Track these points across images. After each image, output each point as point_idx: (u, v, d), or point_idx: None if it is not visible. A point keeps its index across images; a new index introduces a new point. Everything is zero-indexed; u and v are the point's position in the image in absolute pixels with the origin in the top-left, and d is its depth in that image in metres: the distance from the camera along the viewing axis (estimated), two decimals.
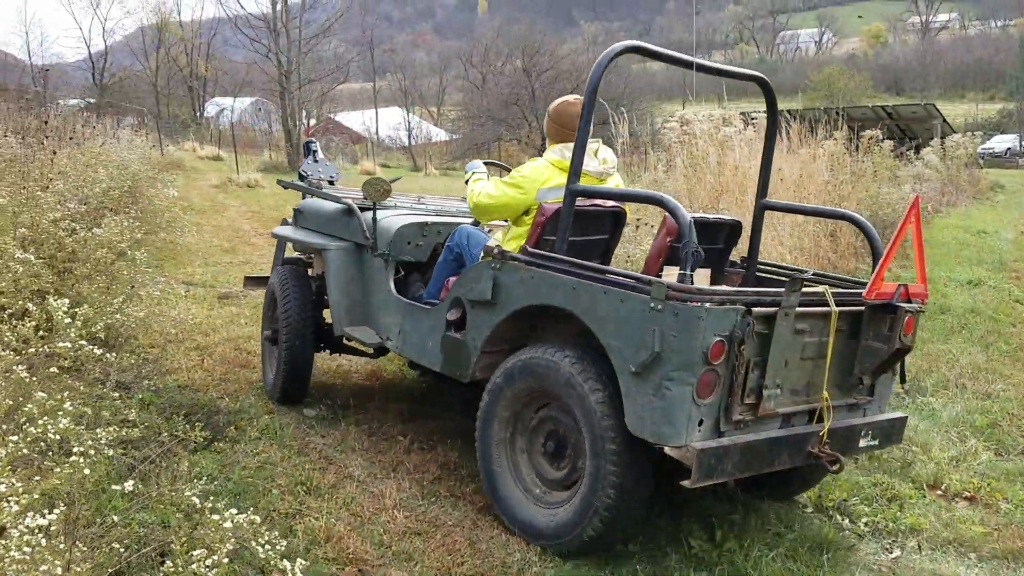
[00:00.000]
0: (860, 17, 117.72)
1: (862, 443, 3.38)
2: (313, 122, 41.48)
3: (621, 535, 3.22)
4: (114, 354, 3.88)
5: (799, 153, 9.75)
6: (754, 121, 9.72)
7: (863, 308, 3.20)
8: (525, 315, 3.42)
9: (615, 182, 3.92)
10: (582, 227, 3.57)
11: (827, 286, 3.29)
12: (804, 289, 3.12)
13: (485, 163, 4.35)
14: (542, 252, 3.38)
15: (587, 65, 45.29)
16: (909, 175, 16.13)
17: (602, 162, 3.76)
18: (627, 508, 3.07)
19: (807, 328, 3.09)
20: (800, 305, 2.99)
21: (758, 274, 4.04)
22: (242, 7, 25.35)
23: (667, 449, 2.86)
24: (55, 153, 7.88)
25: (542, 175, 3.66)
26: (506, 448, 3.47)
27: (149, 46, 56.84)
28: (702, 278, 3.48)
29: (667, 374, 2.81)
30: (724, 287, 3.32)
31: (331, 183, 5.39)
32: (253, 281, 5.86)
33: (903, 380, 3.58)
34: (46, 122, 10.97)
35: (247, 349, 5.96)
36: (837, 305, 3.11)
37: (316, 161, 5.38)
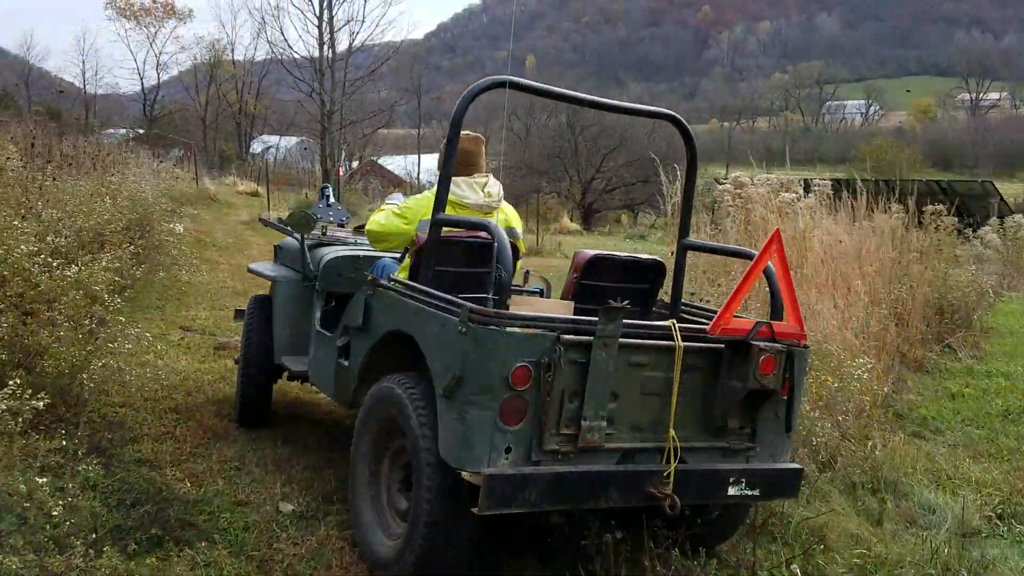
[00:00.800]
0: (908, 91, 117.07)
1: (732, 491, 3.17)
2: (355, 163, 41.25)
3: (439, 572, 3.04)
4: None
5: (859, 225, 8.88)
6: (816, 188, 8.87)
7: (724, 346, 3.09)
8: (394, 342, 3.37)
9: (503, 216, 3.86)
10: (464, 259, 3.55)
11: (674, 320, 3.13)
12: (658, 322, 3.13)
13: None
14: (399, 279, 3.49)
15: (631, 123, 44.89)
16: (969, 255, 15.11)
17: (487, 196, 3.75)
18: (442, 543, 2.97)
19: (648, 362, 3.02)
20: (634, 337, 2.95)
21: (683, 315, 3.90)
22: (291, 48, 24.94)
23: (464, 475, 2.77)
24: (53, 179, 7.21)
25: (423, 207, 3.63)
26: (369, 477, 3.43)
27: (200, 82, 57.63)
28: (563, 308, 3.50)
29: (468, 398, 2.76)
30: (532, 313, 3.05)
31: (340, 226, 5.45)
32: (240, 314, 5.55)
33: (788, 428, 3.32)
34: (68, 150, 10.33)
35: (231, 416, 5.14)
36: (686, 340, 3.03)
37: (328, 205, 5.34)
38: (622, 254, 4.01)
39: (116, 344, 4.81)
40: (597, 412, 2.89)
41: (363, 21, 25.13)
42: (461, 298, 3.01)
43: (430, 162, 51.67)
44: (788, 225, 8.17)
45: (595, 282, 3.79)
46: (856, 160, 50.12)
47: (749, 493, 3.20)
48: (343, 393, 3.86)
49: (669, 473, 2.99)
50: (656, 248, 28.25)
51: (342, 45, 25.19)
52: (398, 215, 3.79)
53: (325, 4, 24.88)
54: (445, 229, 3.42)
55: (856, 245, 8.33)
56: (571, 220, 35.25)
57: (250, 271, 5.51)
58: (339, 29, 25.15)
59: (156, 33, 58.66)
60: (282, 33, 25.96)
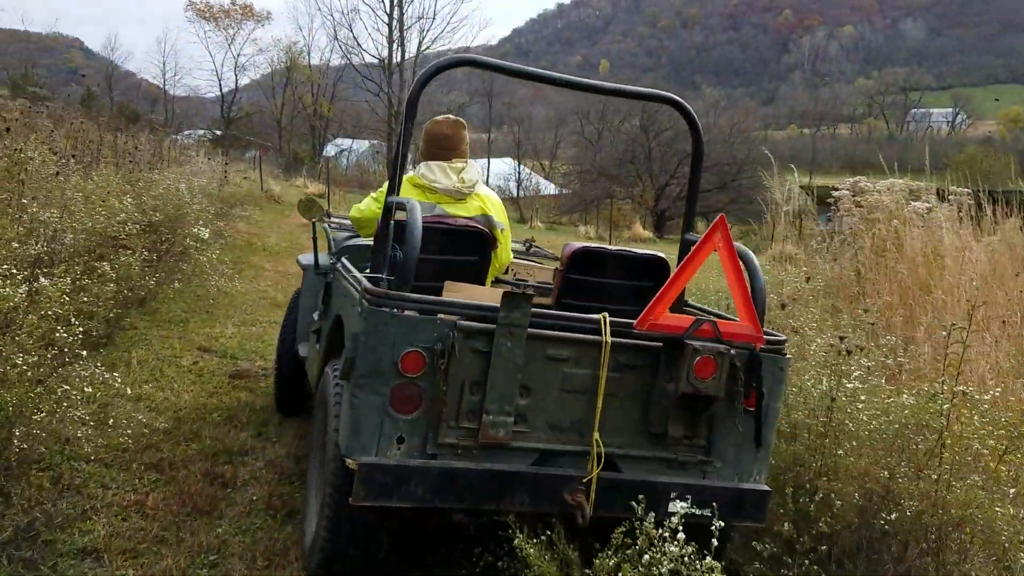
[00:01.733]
0: (997, 100, 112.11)
1: (673, 507, 2.78)
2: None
3: (345, 567, 2.88)
4: None
5: (987, 239, 7.37)
6: (952, 198, 7.40)
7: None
8: (339, 327, 3.18)
9: (477, 204, 3.66)
10: (435, 245, 3.31)
11: (606, 314, 2.78)
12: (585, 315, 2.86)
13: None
14: (348, 264, 3.38)
15: (707, 128, 43.14)
16: None
17: (459, 181, 3.59)
18: (345, 537, 2.82)
19: (570, 356, 2.76)
20: (550, 328, 2.73)
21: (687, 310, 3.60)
22: (360, 47, 24.10)
23: (348, 463, 2.60)
24: (57, 174, 6.21)
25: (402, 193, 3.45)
26: (315, 468, 3.28)
27: (277, 84, 57.81)
28: (493, 297, 3.10)
29: (357, 381, 2.61)
30: (434, 297, 2.85)
31: None
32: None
33: (758, 443, 2.92)
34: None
35: (225, 476, 4.00)
36: (618, 337, 2.75)
37: None
38: (614, 247, 3.63)
39: (71, 386, 3.67)
40: (501, 407, 2.69)
41: (434, 18, 24.08)
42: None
43: (500, 167, 50.92)
44: (919, 239, 6.75)
45: (582, 277, 3.47)
46: (949, 169, 47.30)
47: (696, 512, 2.81)
48: (313, 378, 3.74)
49: (588, 480, 2.74)
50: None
51: (412, 44, 24.24)
52: (375, 199, 3.74)
53: (396, 2, 23.94)
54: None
55: (991, 262, 6.87)
56: (643, 227, 33.67)
57: (298, 262, 5.25)
58: (409, 27, 24.21)
59: (234, 35, 59.10)
60: (351, 31, 24.97)
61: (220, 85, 59.12)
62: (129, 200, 7.12)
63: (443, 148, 3.64)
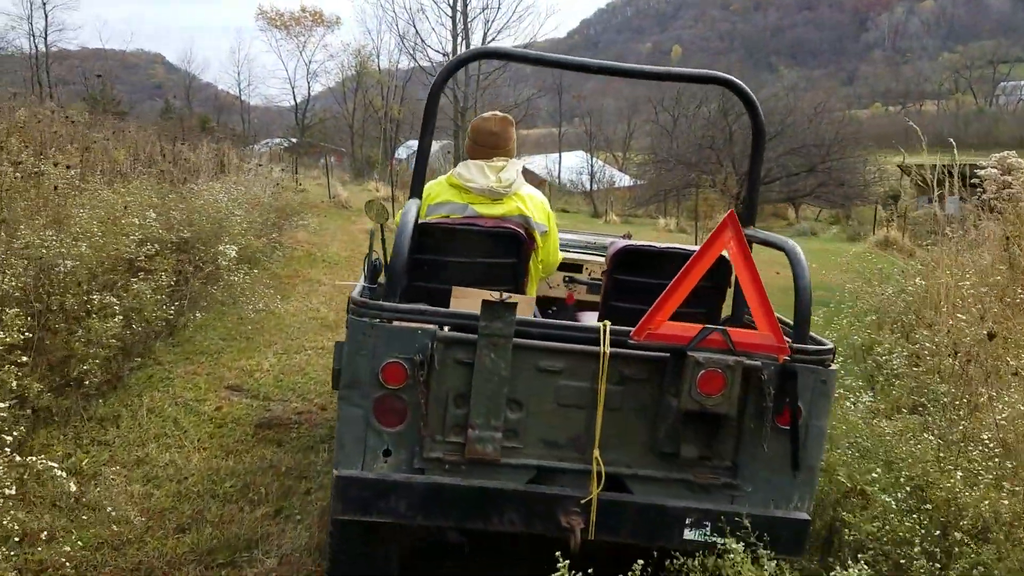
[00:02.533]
0: None
1: (691, 534, 2.55)
2: None
3: None
4: None
5: None
6: None
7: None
8: None
9: (515, 204, 3.34)
10: (464, 248, 3.15)
11: (607, 321, 2.55)
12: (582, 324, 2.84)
13: None
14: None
15: (789, 109, 41.01)
16: None
17: (496, 181, 3.30)
18: (345, 550, 2.80)
19: (564, 369, 2.56)
20: (538, 337, 2.55)
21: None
22: (426, 46, 23.14)
23: (335, 473, 2.54)
24: (56, 189, 5.32)
25: (433, 191, 3.39)
26: None
27: (348, 89, 57.79)
28: (524, 306, 2.94)
29: (342, 393, 2.55)
30: (417, 306, 2.64)
31: None
32: None
33: (795, 467, 2.58)
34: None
35: None
36: (617, 347, 2.51)
37: None
38: (662, 244, 3.35)
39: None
40: (487, 421, 2.51)
41: (499, 8, 22.98)
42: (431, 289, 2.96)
43: (572, 160, 49.73)
44: None
45: (630, 278, 3.24)
46: None
47: (719, 540, 2.50)
48: None
49: (588, 501, 2.50)
50: (831, 246, 24.89)
51: (477, 37, 23.20)
52: (424, 204, 3.39)
53: None
54: (440, 215, 3.26)
55: None
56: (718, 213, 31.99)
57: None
58: (473, 19, 23.17)
59: (305, 42, 59.26)
60: (416, 30, 23.97)
61: (293, 92, 59.46)
62: (153, 215, 6.21)
63: (488, 146, 3.41)
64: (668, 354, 2.51)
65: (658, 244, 3.35)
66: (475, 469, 2.56)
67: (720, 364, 2.42)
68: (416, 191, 3.10)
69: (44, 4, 43.60)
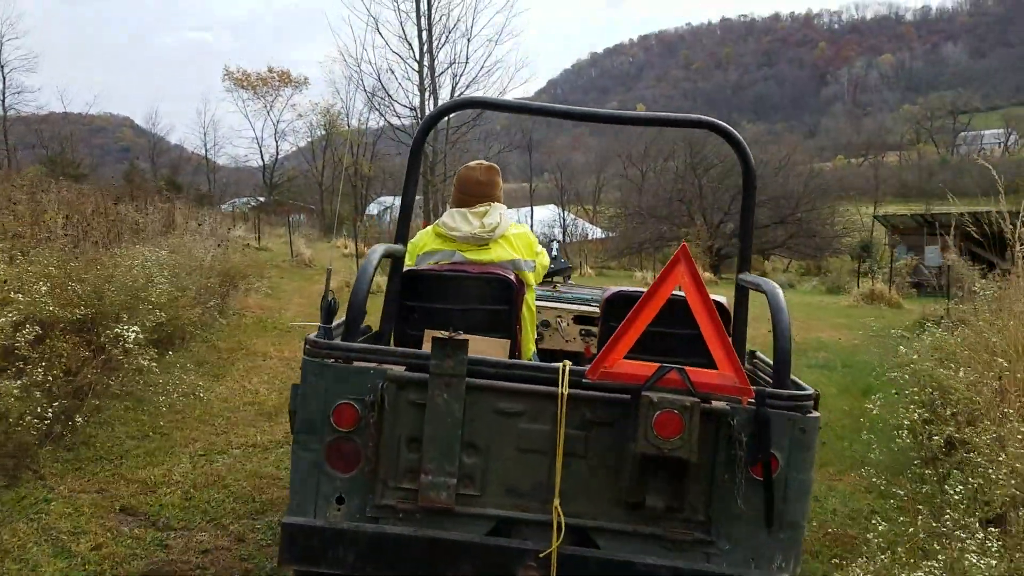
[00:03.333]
0: None
1: None
2: None
3: None
4: None
5: None
6: None
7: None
8: None
9: (502, 248, 3.35)
10: (452, 294, 3.17)
11: (567, 362, 2.43)
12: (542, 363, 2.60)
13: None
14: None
15: (758, 162, 40.73)
16: None
17: (480, 227, 3.33)
18: None
19: (525, 411, 2.43)
20: (499, 378, 2.43)
21: (755, 362, 3.35)
22: (393, 100, 22.21)
23: (281, 520, 2.45)
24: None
25: (421, 241, 3.44)
26: None
27: (317, 148, 57.03)
28: (494, 348, 3.01)
29: (296, 436, 2.45)
30: (370, 345, 2.61)
31: (567, 279, 5.44)
32: None
33: (769, 522, 2.38)
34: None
35: None
36: (574, 387, 2.38)
37: (554, 258, 4.86)
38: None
39: None
40: (441, 466, 2.38)
41: (467, 62, 22.17)
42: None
43: (543, 214, 49.12)
44: None
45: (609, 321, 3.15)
46: (1020, 191, 43.95)
47: None
48: None
49: (547, 555, 2.35)
50: (812, 299, 24.04)
51: (445, 91, 22.35)
52: (408, 254, 3.38)
53: (426, 48, 22.16)
54: (430, 264, 3.33)
55: None
56: (702, 268, 31.09)
57: None
58: (441, 73, 22.34)
59: (273, 102, 58.52)
60: (383, 86, 23.10)
61: (261, 152, 58.47)
62: (44, 289, 5.02)
63: (474, 195, 3.42)
64: (628, 395, 2.35)
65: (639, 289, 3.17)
66: (430, 518, 2.42)
67: (676, 404, 2.25)
68: (400, 240, 3.09)
69: (2, 67, 42.36)
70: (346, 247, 26.71)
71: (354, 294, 2.55)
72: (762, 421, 2.31)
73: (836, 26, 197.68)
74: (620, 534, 2.43)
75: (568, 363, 2.41)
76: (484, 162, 3.53)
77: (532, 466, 2.44)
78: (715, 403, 2.34)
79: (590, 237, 45.15)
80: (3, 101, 43.90)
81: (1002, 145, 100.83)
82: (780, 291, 2.63)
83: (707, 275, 28.75)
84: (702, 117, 3.00)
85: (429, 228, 3.45)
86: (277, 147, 58.18)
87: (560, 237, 44.09)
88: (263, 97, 57.79)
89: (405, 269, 3.14)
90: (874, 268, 22.62)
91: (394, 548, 2.37)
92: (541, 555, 2.34)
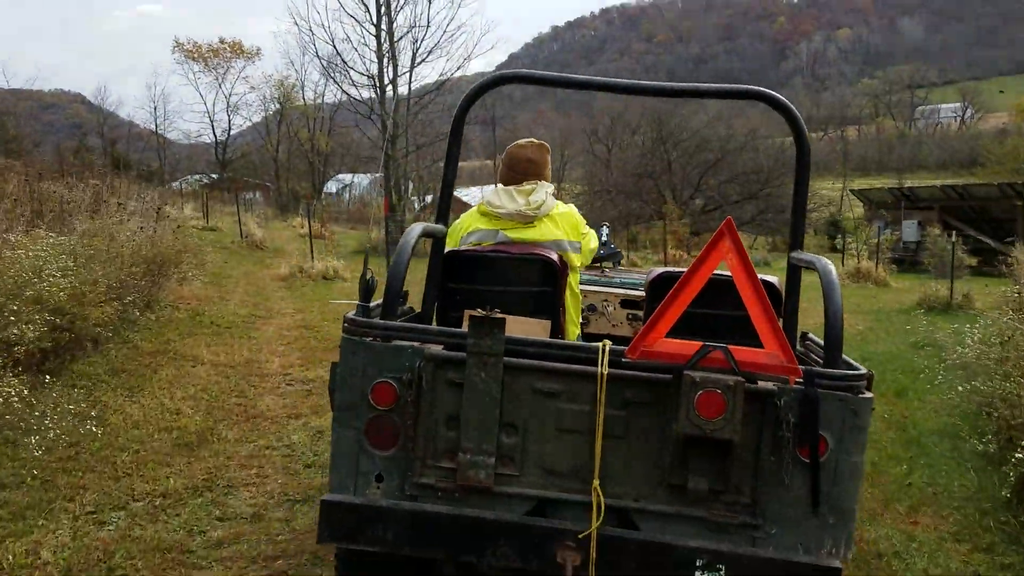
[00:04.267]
0: (1002, 92, 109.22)
1: None
2: (428, 197, 37.33)
3: None
4: None
5: None
6: None
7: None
8: None
9: (549, 227, 3.28)
10: (494, 276, 3.13)
11: (608, 341, 2.38)
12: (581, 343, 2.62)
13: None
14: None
15: (724, 137, 39.80)
16: None
17: (526, 204, 3.26)
18: None
19: (563, 391, 2.38)
20: (538, 357, 2.38)
21: (802, 352, 3.15)
22: (350, 69, 20.62)
23: (324, 499, 2.41)
24: None
25: (464, 222, 3.40)
26: None
27: (271, 121, 55.01)
28: (534, 328, 2.98)
29: (336, 415, 2.46)
30: (408, 323, 2.60)
31: (616, 264, 5.32)
32: None
33: (815, 504, 2.30)
34: None
35: None
36: (614, 367, 2.32)
37: (602, 243, 4.80)
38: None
39: None
40: (479, 445, 2.35)
41: (428, 26, 20.68)
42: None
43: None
44: None
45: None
46: (990, 163, 43.53)
47: None
48: None
49: (586, 536, 2.30)
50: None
51: (405, 57, 20.84)
52: (449, 235, 3.31)
53: (383, 11, 20.60)
54: (471, 243, 3.29)
55: None
56: (676, 247, 29.98)
57: None
58: (400, 38, 20.82)
59: (225, 74, 56.24)
60: (338, 53, 21.49)
61: (213, 127, 56.22)
62: None
63: (523, 173, 3.36)
64: (669, 375, 2.26)
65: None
66: (469, 498, 2.38)
67: (719, 384, 2.16)
68: (441, 219, 3.05)
69: None
70: (301, 227, 25.17)
71: (392, 273, 2.52)
72: (811, 401, 2.22)
73: (795, 0, 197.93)
74: (662, 516, 2.36)
75: (608, 342, 2.35)
76: (535, 140, 3.46)
77: (571, 446, 2.39)
78: (761, 383, 2.26)
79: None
80: None
81: (959, 119, 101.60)
82: (833, 269, 2.51)
83: (683, 254, 27.78)
84: (751, 87, 2.87)
85: (473, 209, 3.42)
86: (229, 122, 56.09)
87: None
88: (215, 69, 55.46)
89: (447, 250, 3.10)
90: (857, 245, 21.66)
91: (432, 526, 2.34)
92: (581, 536, 2.30)
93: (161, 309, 9.03)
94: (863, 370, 2.36)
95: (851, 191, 36.92)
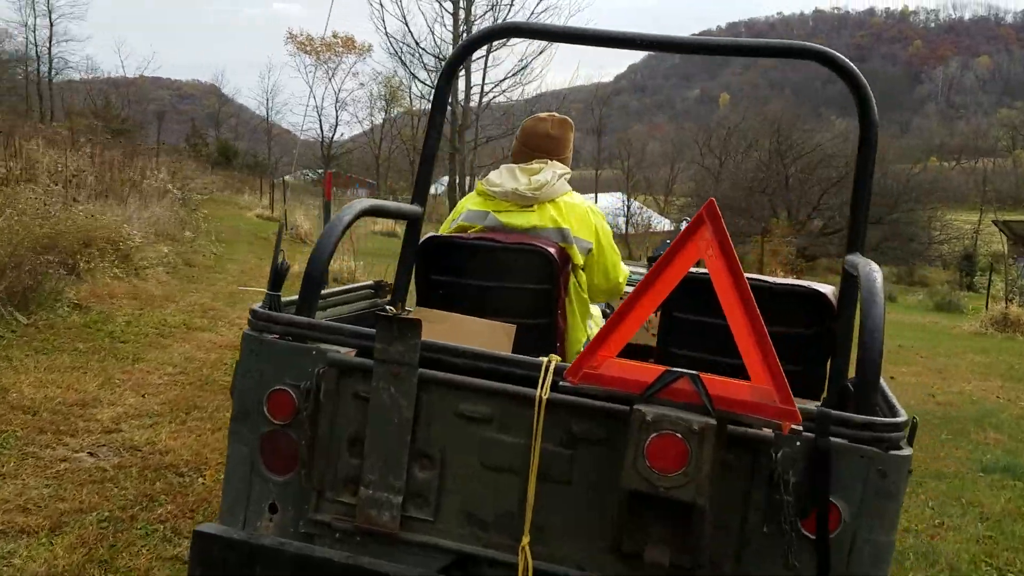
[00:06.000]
0: None
1: None
2: None
3: None
4: None
5: None
6: None
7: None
8: None
9: (551, 213, 2.71)
10: (477, 267, 2.64)
11: (554, 355, 1.84)
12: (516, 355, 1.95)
13: None
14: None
15: (846, 156, 35.61)
16: None
17: (527, 184, 2.72)
18: None
19: (495, 416, 1.85)
20: (461, 372, 1.88)
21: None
22: (425, 67, 18.13)
23: (197, 529, 1.95)
24: None
25: (460, 205, 2.92)
26: None
27: (377, 118, 53.95)
28: (495, 333, 2.50)
29: (231, 425, 2.02)
30: (320, 320, 2.08)
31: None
32: None
33: (824, 571, 1.67)
34: None
35: None
36: (559, 391, 1.76)
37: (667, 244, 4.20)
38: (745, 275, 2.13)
39: None
40: (386, 478, 1.87)
41: (512, 5, 18.02)
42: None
43: (608, 200, 44.92)
44: None
45: (692, 317, 2.42)
46: None
47: None
48: None
49: None
50: (923, 319, 19.30)
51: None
52: (450, 218, 2.96)
53: None
54: (452, 229, 2.79)
55: None
56: (779, 270, 26.27)
57: None
58: (479, 18, 18.19)
59: (335, 69, 55.36)
60: (407, 25, 19.01)
61: (320, 121, 55.39)
62: None
63: (539, 150, 2.84)
64: (626, 406, 1.67)
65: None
66: (372, 544, 1.90)
67: (680, 426, 1.55)
68: (419, 198, 2.72)
69: (49, 12, 40.03)
70: (374, 224, 22.92)
71: (314, 256, 2.02)
72: (820, 456, 1.64)
73: (932, 24, 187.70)
74: None
75: (556, 357, 1.80)
76: (557, 114, 2.90)
77: (501, 489, 1.85)
78: (754, 429, 1.67)
79: (655, 228, 40.74)
80: (49, 48, 41.65)
81: None
82: (879, 276, 1.90)
83: (788, 279, 24.16)
84: (805, 44, 2.41)
85: (472, 193, 2.93)
86: (337, 117, 55.35)
87: (624, 225, 39.80)
88: (325, 63, 54.61)
89: (428, 235, 2.67)
90: (1005, 287, 17.70)
91: None
92: None
93: (50, 308, 6.57)
94: (902, 415, 1.73)
95: (994, 222, 32.09)
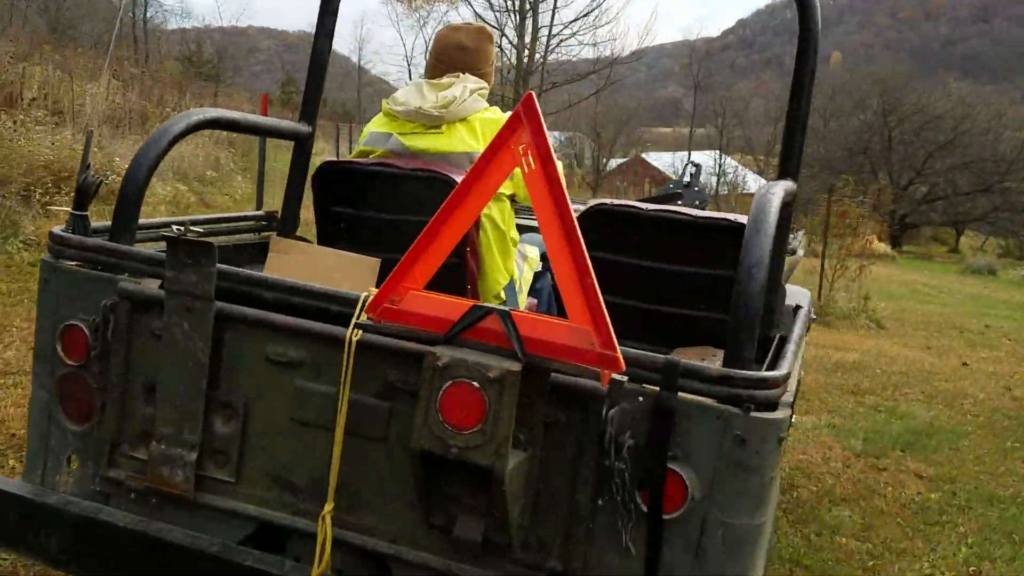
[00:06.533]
0: None
1: None
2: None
3: None
4: None
5: None
6: None
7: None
8: None
9: (461, 135, 2.41)
10: (376, 198, 2.35)
11: (369, 292, 1.53)
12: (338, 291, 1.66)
13: None
14: None
15: (963, 116, 32.72)
16: None
17: (434, 102, 2.40)
18: None
19: (306, 361, 1.61)
20: (268, 306, 1.64)
21: None
22: (492, 11, 16.99)
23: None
24: None
25: (367, 127, 2.62)
26: None
27: None
28: (357, 267, 2.25)
29: (34, 366, 1.85)
30: (118, 245, 1.77)
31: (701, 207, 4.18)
32: None
33: (654, 553, 1.47)
34: None
35: None
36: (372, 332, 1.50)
37: (686, 185, 4.08)
38: (652, 207, 2.12)
39: None
40: (179, 432, 1.64)
41: None
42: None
43: (700, 158, 43.11)
44: None
45: (609, 255, 2.10)
46: None
47: None
48: None
49: None
50: (1013, 297, 17.21)
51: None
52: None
53: None
54: (354, 153, 2.53)
55: None
56: (879, 238, 23.96)
57: None
58: None
59: (427, 17, 54.55)
60: None
61: (409, 71, 54.96)
62: None
63: (451, 64, 2.51)
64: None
65: (645, 206, 2.12)
66: (167, 506, 1.68)
67: (476, 374, 1.30)
68: (307, 115, 2.49)
69: None
70: None
71: (129, 175, 1.77)
72: (660, 413, 1.38)
73: None
74: (427, 570, 1.53)
75: (373, 290, 1.50)
76: (474, 23, 2.69)
77: (312, 447, 1.60)
78: (582, 379, 1.38)
79: (748, 188, 38.76)
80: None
81: None
82: (777, 197, 1.58)
83: (882, 246, 22.23)
84: None
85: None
86: (426, 67, 54.84)
87: (715, 183, 37.99)
88: (417, 11, 53.93)
89: (325, 160, 2.42)
90: None
91: (101, 543, 1.60)
92: None
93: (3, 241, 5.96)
94: (766, 372, 1.41)
95: None
